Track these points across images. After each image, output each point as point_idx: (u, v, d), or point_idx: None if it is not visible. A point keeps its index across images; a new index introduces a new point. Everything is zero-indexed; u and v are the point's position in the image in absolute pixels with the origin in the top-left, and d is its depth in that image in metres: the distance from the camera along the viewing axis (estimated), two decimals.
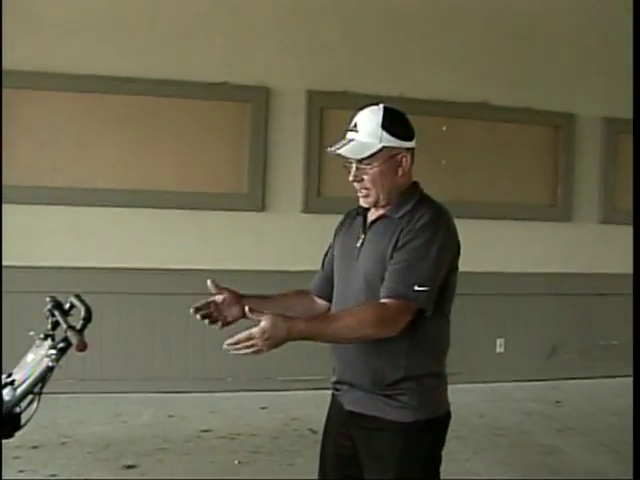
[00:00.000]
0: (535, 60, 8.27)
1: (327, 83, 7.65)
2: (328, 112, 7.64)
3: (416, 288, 2.69)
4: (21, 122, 6.95)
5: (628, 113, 8.22)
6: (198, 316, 2.85)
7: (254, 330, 2.47)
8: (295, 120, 7.61)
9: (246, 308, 2.53)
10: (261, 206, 7.56)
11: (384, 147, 2.81)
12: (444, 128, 7.96)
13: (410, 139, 2.88)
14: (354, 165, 2.85)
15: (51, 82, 7.03)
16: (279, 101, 7.59)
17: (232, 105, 7.53)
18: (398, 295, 2.69)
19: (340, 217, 3.21)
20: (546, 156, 8.46)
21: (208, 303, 2.89)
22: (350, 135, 2.86)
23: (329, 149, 2.88)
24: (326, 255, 3.18)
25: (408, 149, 2.87)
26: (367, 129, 2.82)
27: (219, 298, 2.89)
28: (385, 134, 2.81)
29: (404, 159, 2.86)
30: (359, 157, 2.81)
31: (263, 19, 7.53)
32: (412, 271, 2.71)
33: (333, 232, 3.17)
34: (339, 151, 2.84)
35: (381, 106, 2.88)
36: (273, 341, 2.49)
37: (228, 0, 7.47)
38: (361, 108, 2.92)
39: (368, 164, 2.82)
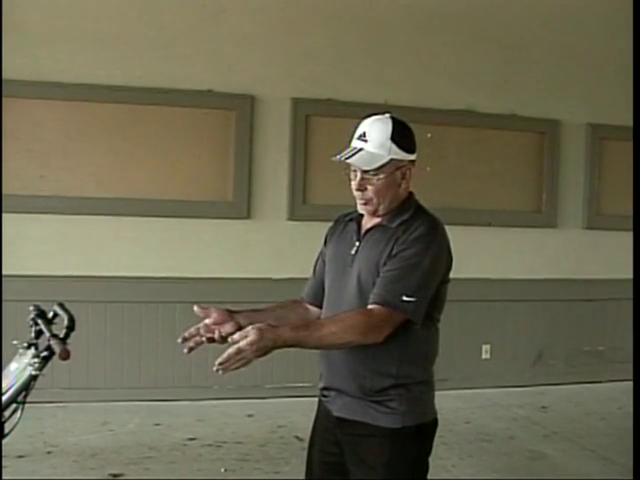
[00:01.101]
0: (520, 67, 8.30)
1: (312, 91, 7.66)
2: (313, 119, 7.65)
3: (404, 298, 2.71)
4: (8, 130, 6.92)
5: (613, 119, 8.31)
6: (185, 350, 2.79)
7: (242, 344, 2.47)
8: (280, 128, 7.61)
9: (230, 340, 2.52)
10: (246, 214, 7.55)
11: (392, 159, 2.83)
12: (429, 135, 7.95)
13: (414, 152, 2.91)
14: (359, 174, 2.85)
15: (37, 90, 7.01)
16: (264, 109, 7.58)
17: (217, 113, 7.52)
18: (385, 303, 2.70)
19: (325, 224, 3.21)
20: (531, 162, 8.48)
21: (197, 328, 2.83)
22: (358, 144, 2.86)
23: (335, 157, 2.86)
24: (317, 261, 3.18)
25: (412, 162, 2.90)
26: (377, 140, 2.83)
27: (209, 320, 2.84)
28: (394, 146, 2.83)
29: (408, 172, 2.90)
30: (368, 168, 2.82)
31: (248, 27, 7.52)
32: (402, 281, 2.73)
33: (323, 238, 3.17)
34: (349, 160, 2.83)
35: (388, 116, 2.90)
36: (261, 352, 2.50)
37: (213, 8, 7.46)
38: (366, 117, 2.93)
39: (374, 175, 2.83)
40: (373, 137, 2.83)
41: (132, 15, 7.27)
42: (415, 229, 2.80)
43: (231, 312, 2.88)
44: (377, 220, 2.92)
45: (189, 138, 7.43)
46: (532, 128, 8.45)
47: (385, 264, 2.79)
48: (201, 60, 7.40)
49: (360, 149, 2.84)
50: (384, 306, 2.70)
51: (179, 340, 2.80)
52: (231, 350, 2.48)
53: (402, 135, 2.87)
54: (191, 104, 7.39)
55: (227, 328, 2.80)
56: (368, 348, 2.76)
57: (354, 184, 2.87)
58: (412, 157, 2.90)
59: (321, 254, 3.16)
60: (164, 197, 7.34)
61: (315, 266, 3.18)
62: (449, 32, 8.03)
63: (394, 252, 2.78)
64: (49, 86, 7.02)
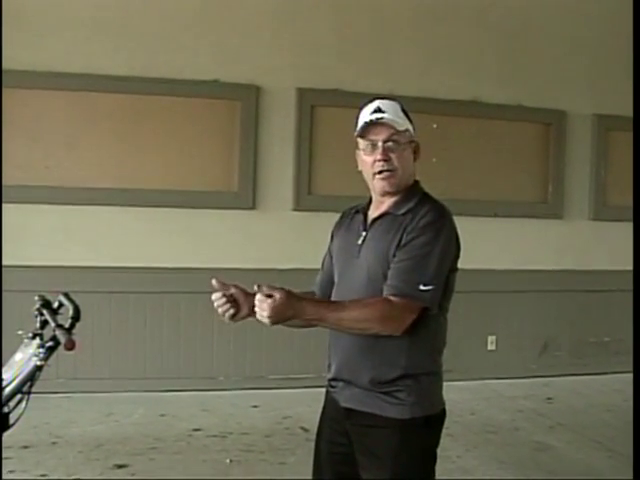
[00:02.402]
0: (526, 57, 8.28)
1: (317, 81, 7.64)
2: (318, 110, 7.64)
3: (421, 287, 2.70)
4: (12, 121, 6.92)
5: (619, 110, 8.26)
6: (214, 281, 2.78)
7: (270, 299, 2.49)
8: (285, 118, 7.60)
9: (255, 286, 2.53)
10: (252, 204, 7.54)
11: (407, 129, 2.88)
12: (435, 126, 7.94)
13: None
14: (380, 144, 2.84)
15: (41, 81, 7.01)
16: (269, 99, 7.57)
17: (222, 103, 7.51)
18: (404, 294, 2.69)
19: (330, 215, 3.21)
20: (537, 153, 8.46)
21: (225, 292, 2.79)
22: (377, 115, 2.85)
23: (360, 124, 2.85)
24: (325, 257, 3.17)
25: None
26: (393, 111, 2.87)
27: (229, 292, 2.81)
28: (407, 120, 2.90)
29: (418, 150, 2.94)
30: (399, 128, 2.83)
31: (254, 17, 7.51)
32: (417, 270, 2.72)
33: (329, 231, 3.16)
34: (382, 115, 2.82)
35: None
36: (281, 316, 2.52)
37: None
38: (370, 101, 2.93)
39: (396, 141, 2.84)
40: (389, 109, 2.87)
41: (137, 4, 7.26)
42: (422, 216, 2.79)
43: (248, 294, 2.83)
44: (383, 209, 2.91)
45: (194, 128, 7.42)
46: (538, 119, 8.43)
47: (395, 254, 2.77)
48: (206, 50, 7.39)
49: (381, 118, 2.84)
50: (402, 297, 2.69)
51: (214, 281, 2.77)
52: (265, 292, 2.51)
53: (408, 114, 2.93)
54: (196, 94, 7.38)
55: (244, 310, 2.78)
56: (378, 339, 2.75)
57: (378, 155, 2.84)
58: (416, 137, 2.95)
59: (328, 250, 3.15)
60: (169, 187, 7.33)
61: (323, 262, 3.18)
62: (455, 22, 8.02)
63: (404, 241, 2.77)
64: (53, 76, 7.01)
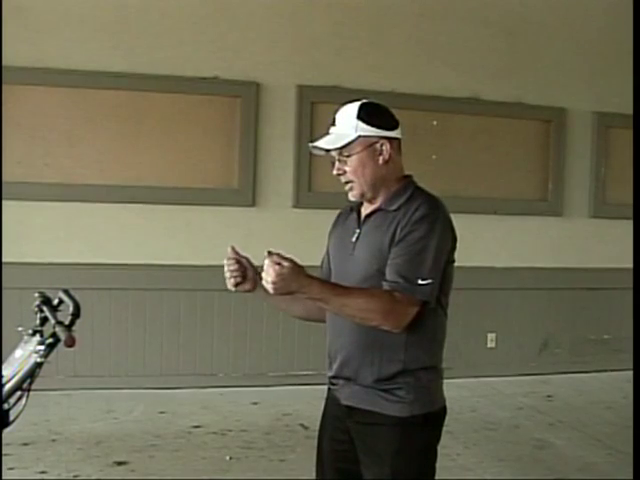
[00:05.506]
0: (526, 54, 8.27)
1: (317, 78, 7.63)
2: (319, 107, 7.61)
3: (420, 282, 2.69)
4: (11, 118, 6.91)
5: (619, 107, 8.26)
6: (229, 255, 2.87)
7: (278, 266, 2.49)
8: (285, 115, 7.59)
9: (266, 252, 2.54)
10: (252, 201, 7.54)
11: (360, 136, 2.82)
12: (435, 123, 7.94)
13: (390, 129, 2.88)
14: (336, 161, 2.87)
15: (40, 77, 7.00)
16: (269, 96, 7.56)
17: (222, 100, 7.50)
18: (403, 290, 2.68)
19: (331, 211, 3.20)
20: (537, 150, 8.45)
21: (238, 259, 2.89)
22: (330, 130, 2.90)
23: (310, 144, 2.90)
24: (324, 258, 3.17)
25: (388, 138, 2.86)
26: (344, 121, 2.86)
27: (242, 260, 2.89)
28: (361, 124, 2.82)
29: (383, 147, 2.85)
30: (333, 147, 2.84)
31: (253, 13, 7.50)
32: (414, 265, 2.71)
33: (327, 234, 3.15)
34: (317, 143, 2.85)
35: (361, 101, 2.90)
36: (285, 286, 2.52)
37: None
38: (343, 104, 2.93)
39: (347, 155, 2.83)
40: (340, 119, 2.88)
41: (136, 1, 7.24)
42: (415, 210, 2.78)
43: (256, 271, 2.87)
44: (375, 205, 2.90)
45: (194, 125, 7.41)
46: (538, 116, 8.42)
47: (391, 250, 2.76)
48: (206, 47, 7.38)
49: (327, 133, 2.89)
50: (402, 293, 2.68)
51: (229, 248, 2.90)
52: (274, 259, 2.52)
53: (370, 113, 2.86)
54: (196, 91, 7.38)
55: (246, 286, 2.90)
56: (377, 335, 2.75)
57: (334, 169, 2.89)
58: (387, 133, 2.86)
59: (326, 250, 3.15)
60: (169, 184, 7.33)
61: (322, 263, 3.17)
62: (454, 19, 8.01)
63: (398, 237, 2.76)
64: (53, 73, 7.00)
